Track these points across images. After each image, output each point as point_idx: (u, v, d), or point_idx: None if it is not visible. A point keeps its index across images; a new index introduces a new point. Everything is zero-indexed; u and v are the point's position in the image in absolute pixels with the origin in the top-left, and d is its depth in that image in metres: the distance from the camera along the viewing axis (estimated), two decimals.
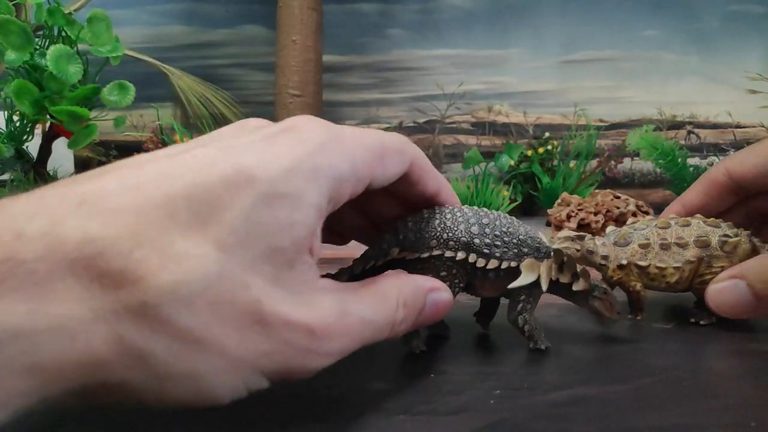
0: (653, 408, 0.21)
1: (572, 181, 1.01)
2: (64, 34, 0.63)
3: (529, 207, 1.08)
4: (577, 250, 0.33)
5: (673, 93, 1.22)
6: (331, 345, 0.19)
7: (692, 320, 0.32)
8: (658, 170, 1.00)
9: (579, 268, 0.27)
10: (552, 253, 0.27)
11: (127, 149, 1.20)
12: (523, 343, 0.27)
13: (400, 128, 1.28)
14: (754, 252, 0.32)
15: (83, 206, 0.16)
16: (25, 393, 0.14)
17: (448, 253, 0.25)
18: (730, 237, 0.32)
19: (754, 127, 1.21)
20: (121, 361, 0.15)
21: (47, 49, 0.59)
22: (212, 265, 0.16)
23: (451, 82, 1.27)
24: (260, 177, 0.17)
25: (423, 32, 1.27)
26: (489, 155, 1.19)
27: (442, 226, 0.26)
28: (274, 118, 0.80)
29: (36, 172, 0.68)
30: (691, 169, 0.92)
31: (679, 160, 0.88)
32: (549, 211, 0.72)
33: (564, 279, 0.27)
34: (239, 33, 1.30)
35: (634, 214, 0.66)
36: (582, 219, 0.68)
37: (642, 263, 0.32)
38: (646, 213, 0.67)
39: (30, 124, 0.67)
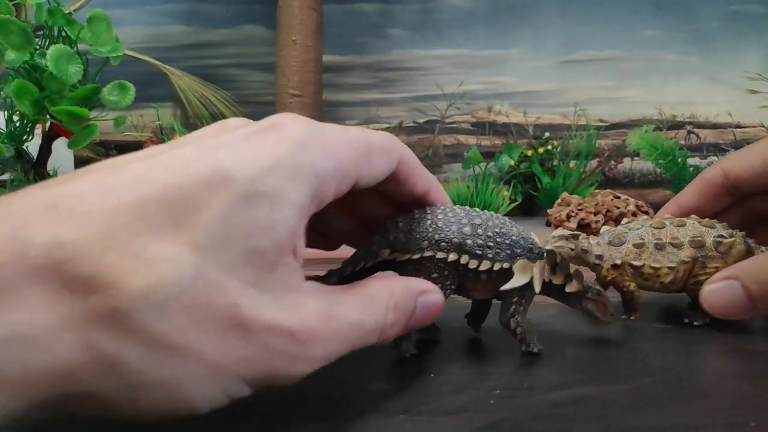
0: (653, 408, 0.21)
1: (572, 181, 1.01)
2: (64, 34, 0.63)
3: (529, 207, 1.08)
4: (572, 250, 0.33)
5: (673, 93, 1.22)
6: (314, 350, 0.18)
7: (686, 321, 0.32)
8: (658, 170, 1.01)
9: (572, 269, 0.27)
10: (545, 254, 0.26)
11: (127, 149, 1.19)
12: (520, 345, 0.27)
13: (400, 128, 1.29)
14: (748, 253, 0.32)
15: (53, 210, 0.15)
16: None
17: (440, 255, 0.25)
18: (725, 237, 0.31)
19: (754, 127, 1.21)
20: (92, 370, 0.15)
21: (47, 49, 0.59)
22: (187, 268, 0.15)
23: (451, 82, 1.27)
24: (238, 176, 0.17)
25: (423, 32, 1.27)
26: (489, 155, 1.19)
27: (434, 226, 0.25)
28: None
29: (36, 172, 0.68)
30: (691, 169, 0.92)
31: (679, 160, 0.88)
32: (549, 211, 0.72)
33: (557, 280, 0.26)
34: (239, 33, 1.30)
35: (634, 214, 0.66)
36: (582, 219, 0.68)
37: (636, 263, 0.32)
38: (646, 213, 0.67)
39: (30, 124, 0.67)
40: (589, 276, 0.29)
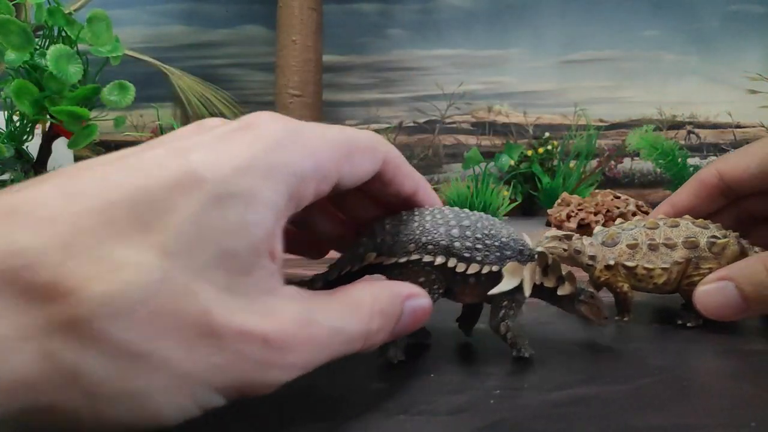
0: (653, 408, 0.21)
1: (572, 181, 1.01)
2: (64, 34, 0.63)
3: (529, 207, 1.08)
4: (565, 250, 0.32)
5: (673, 93, 1.22)
6: (292, 357, 0.17)
7: (679, 322, 0.32)
8: (658, 170, 1.01)
9: (564, 271, 0.26)
10: (536, 256, 0.25)
11: None
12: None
13: (400, 128, 1.29)
14: (742, 254, 0.32)
15: (13, 216, 0.15)
16: None
17: (427, 258, 0.24)
18: (719, 238, 0.31)
19: (754, 127, 1.21)
20: (52, 382, 0.14)
21: (47, 49, 0.59)
22: (155, 272, 0.15)
23: (451, 82, 1.27)
24: (209, 177, 0.16)
25: (423, 32, 1.27)
26: (489, 155, 1.19)
27: (421, 228, 0.25)
28: None
29: (36, 172, 0.68)
30: (691, 169, 0.92)
31: (679, 160, 0.88)
32: (549, 211, 0.72)
33: (549, 283, 0.26)
34: (239, 33, 1.30)
35: (634, 214, 0.66)
36: (582, 219, 0.68)
37: (629, 264, 0.32)
38: (646, 213, 0.67)
39: (30, 124, 0.67)
40: (581, 276, 0.29)
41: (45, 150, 0.70)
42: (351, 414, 0.20)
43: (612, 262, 0.32)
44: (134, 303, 0.14)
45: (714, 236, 0.31)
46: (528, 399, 0.22)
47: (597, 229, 0.34)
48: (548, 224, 0.75)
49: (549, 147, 1.09)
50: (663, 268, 0.31)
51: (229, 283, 0.16)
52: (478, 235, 0.25)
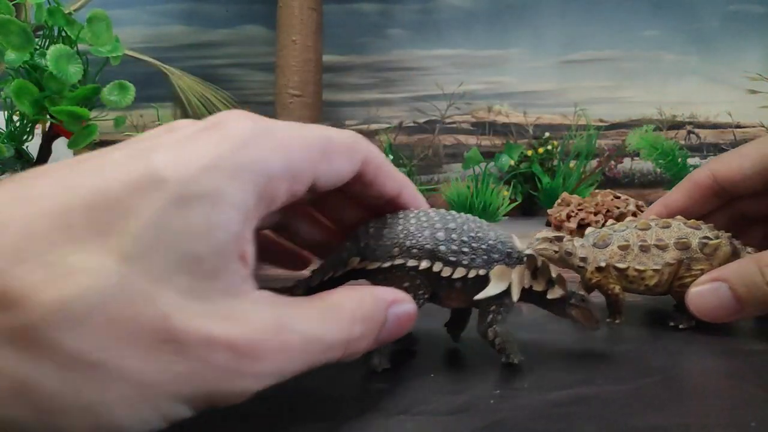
0: (653, 408, 0.21)
1: (572, 181, 1.01)
2: (64, 34, 0.63)
3: (529, 207, 1.08)
4: (555, 252, 0.32)
5: (673, 93, 1.22)
6: (262, 365, 0.16)
7: (671, 324, 0.32)
8: (658, 170, 1.01)
9: (554, 273, 0.25)
10: (525, 259, 0.25)
11: None
12: (521, 344, 0.27)
13: (400, 128, 1.29)
14: (734, 255, 0.31)
15: None
16: None
17: (411, 262, 0.23)
18: (711, 239, 0.31)
19: (754, 127, 1.21)
20: (1, 396, 0.13)
21: (47, 49, 0.59)
22: (111, 277, 0.14)
23: (451, 82, 1.27)
24: (171, 178, 0.16)
25: (423, 32, 1.27)
26: (489, 155, 1.19)
27: (405, 232, 0.24)
28: (274, 118, 0.80)
29: None
30: (691, 169, 0.92)
31: (679, 160, 0.88)
32: (549, 211, 0.72)
33: (538, 286, 0.25)
34: (239, 33, 1.30)
35: (635, 214, 0.66)
36: (582, 219, 0.68)
37: (621, 265, 0.32)
38: None
39: (30, 124, 0.67)
40: (572, 278, 0.29)
41: (45, 150, 0.70)
42: (351, 414, 0.20)
43: (603, 264, 0.32)
44: (88, 310, 0.14)
45: (706, 237, 0.31)
46: (528, 399, 0.22)
47: (588, 230, 0.34)
48: (548, 224, 0.75)
49: (549, 147, 1.09)
50: (654, 270, 0.31)
51: (193, 287, 0.15)
52: (465, 238, 0.24)
